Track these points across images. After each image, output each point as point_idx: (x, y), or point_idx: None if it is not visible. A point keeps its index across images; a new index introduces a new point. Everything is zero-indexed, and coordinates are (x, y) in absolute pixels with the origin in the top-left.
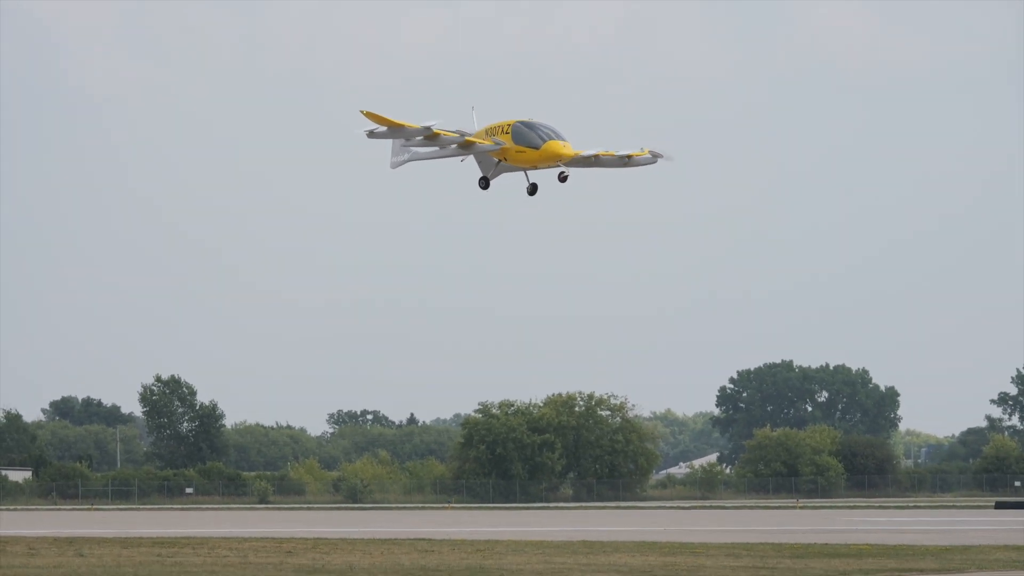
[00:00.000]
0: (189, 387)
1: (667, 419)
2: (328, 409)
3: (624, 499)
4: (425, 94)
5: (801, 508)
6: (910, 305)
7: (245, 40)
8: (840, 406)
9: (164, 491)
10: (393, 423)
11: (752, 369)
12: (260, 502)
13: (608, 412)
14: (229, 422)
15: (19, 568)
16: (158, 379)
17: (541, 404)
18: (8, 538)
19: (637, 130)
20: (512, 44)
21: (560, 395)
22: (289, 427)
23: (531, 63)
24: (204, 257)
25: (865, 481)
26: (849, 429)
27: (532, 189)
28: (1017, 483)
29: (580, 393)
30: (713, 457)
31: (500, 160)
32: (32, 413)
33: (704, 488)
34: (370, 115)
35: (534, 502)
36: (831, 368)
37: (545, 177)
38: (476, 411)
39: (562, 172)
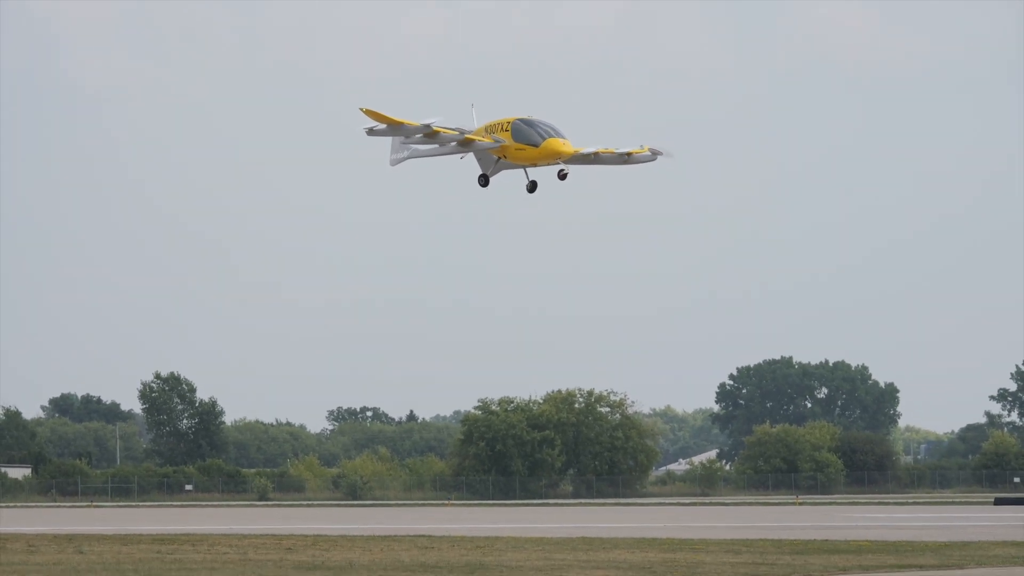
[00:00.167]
0: (189, 384)
1: (667, 416)
2: (328, 406)
3: (624, 496)
4: (425, 91)
5: (800, 504)
6: (909, 302)
7: (245, 36)
8: (839, 402)
9: (164, 488)
10: (393, 420)
11: (752, 366)
12: (260, 499)
13: (608, 409)
14: (229, 419)
15: (19, 565)
16: (158, 376)
17: (541, 401)
18: (8, 535)
19: (637, 127)
20: (512, 41)
21: (560, 392)
22: (289, 424)
23: (531, 60)
24: (204, 254)
25: (864, 477)
26: (848, 425)
27: (532, 187)
28: (1016, 479)
29: (580, 390)
30: (713, 453)
31: (500, 158)
32: (32, 410)
33: (704, 484)
34: (370, 113)
35: (534, 499)
36: (831, 364)
37: (545, 175)
38: (476, 408)
39: (562, 170)
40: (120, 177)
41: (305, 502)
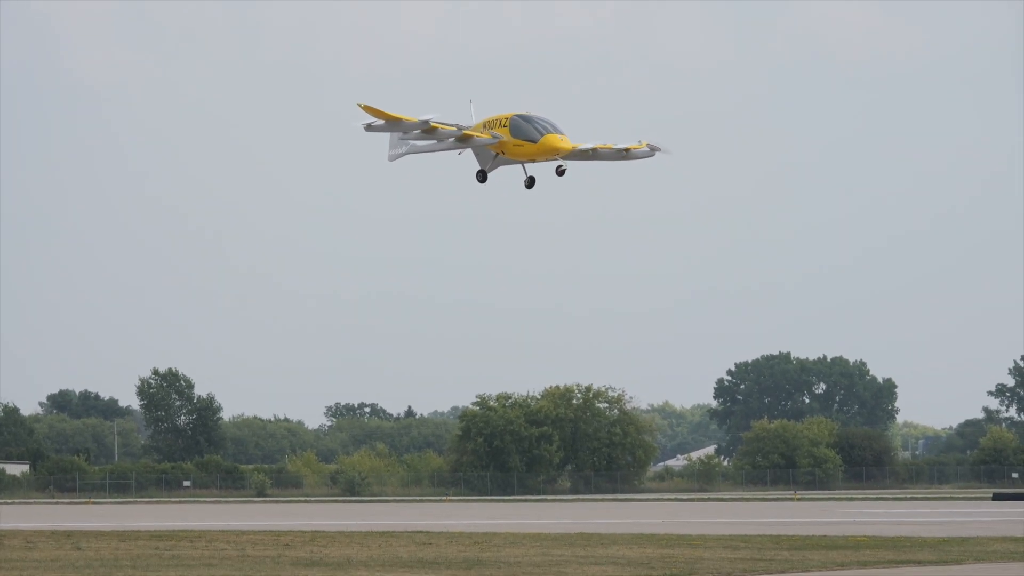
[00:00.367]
0: (187, 380)
1: (665, 411)
2: (326, 402)
3: (622, 491)
4: (423, 88)
5: (799, 500)
6: (907, 297)
7: (244, 33)
8: (838, 398)
9: (162, 484)
10: (391, 416)
11: (750, 361)
12: (258, 495)
13: (606, 404)
14: (227, 415)
15: (16, 561)
16: (155, 372)
17: (539, 396)
18: (5, 532)
19: (635, 124)
20: (511, 37)
21: (558, 387)
22: (287, 420)
23: (530, 56)
24: (202, 250)
25: (863, 473)
26: (847, 421)
27: (530, 182)
28: (1015, 474)
29: (578, 385)
30: (711, 449)
31: (498, 153)
32: (29, 406)
33: (702, 480)
34: (368, 108)
35: (532, 494)
36: (829, 360)
37: (543, 170)
38: (474, 404)
39: (560, 165)
40: (119, 174)
41: (303, 498)
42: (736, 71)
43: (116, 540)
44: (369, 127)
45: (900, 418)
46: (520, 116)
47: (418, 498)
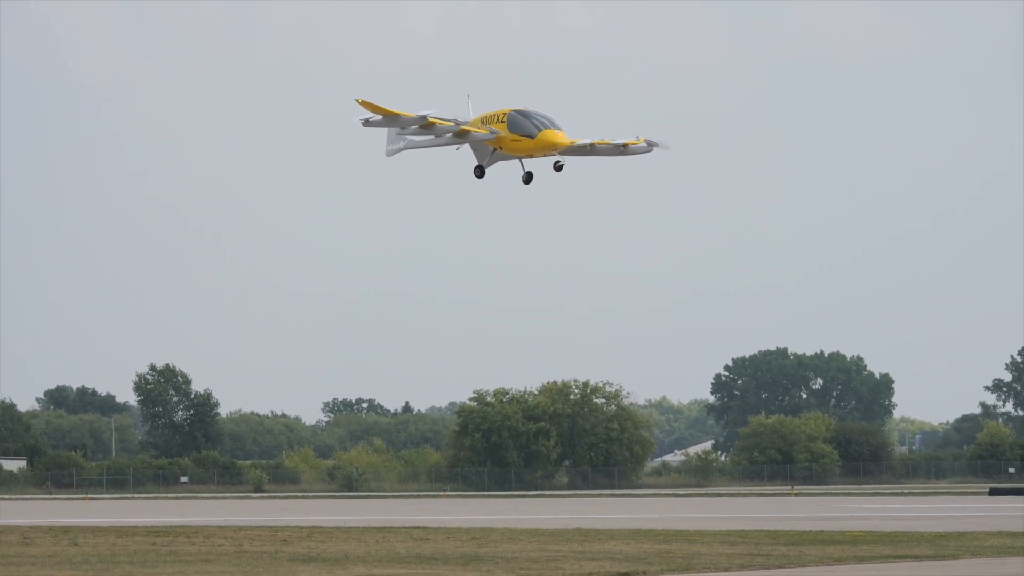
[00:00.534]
0: (184, 376)
1: (662, 407)
2: (323, 398)
3: (619, 487)
4: (422, 84)
5: (796, 495)
6: (905, 293)
7: (243, 31)
8: (835, 393)
9: (159, 480)
10: (388, 411)
11: (747, 356)
12: (255, 491)
13: (603, 400)
14: (224, 411)
15: (14, 557)
16: (153, 368)
17: (536, 392)
18: (3, 528)
19: (634, 122)
20: (509, 33)
21: (555, 383)
22: (284, 416)
23: (528, 51)
24: (200, 247)
25: (860, 468)
26: (844, 416)
27: (527, 178)
28: (1011, 469)
29: (575, 381)
30: (708, 444)
31: (496, 149)
32: (27, 402)
33: (699, 475)
34: (366, 104)
35: (529, 490)
36: (826, 355)
37: (540, 166)
38: (471, 399)
39: (557, 161)
40: (117, 172)
41: (300, 494)
42: (735, 71)
43: (113, 536)
44: (367, 123)
45: (897, 413)
46: (518, 112)
47: (415, 494)
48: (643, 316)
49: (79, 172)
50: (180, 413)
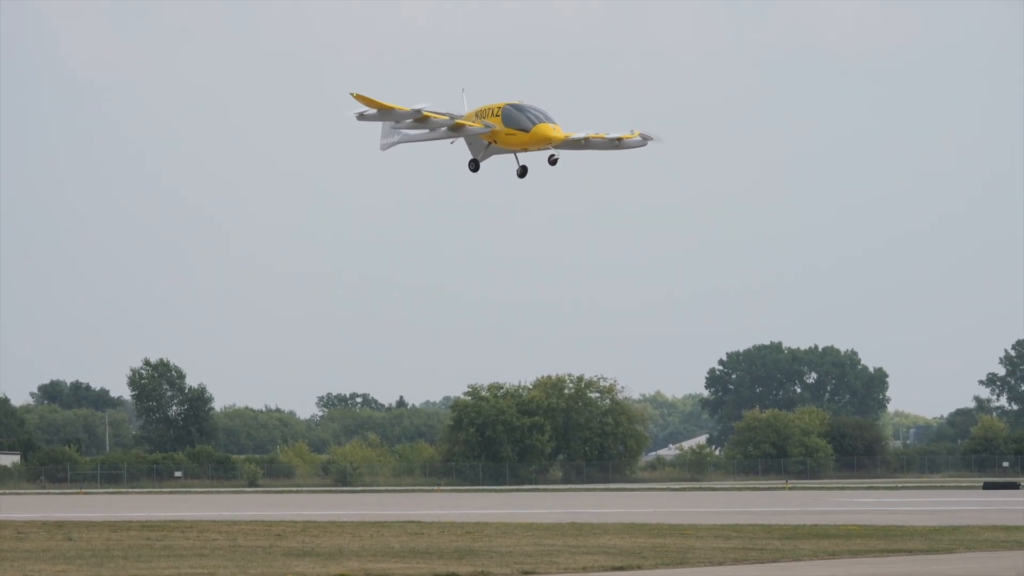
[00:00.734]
0: (178, 370)
1: (656, 401)
2: (317, 392)
3: (613, 481)
4: (416, 77)
5: (790, 489)
6: (898, 287)
7: (240, 22)
8: (829, 387)
9: (153, 475)
10: (382, 406)
11: (741, 351)
12: (249, 485)
13: (598, 394)
14: (218, 405)
15: (8, 552)
16: (147, 363)
17: (531, 386)
18: None
19: (629, 116)
20: (503, 27)
21: (550, 377)
22: (278, 410)
23: (522, 45)
24: (195, 241)
25: (854, 462)
26: (838, 410)
27: (522, 171)
28: (1005, 464)
29: (570, 375)
30: (702, 439)
31: (490, 143)
32: (20, 397)
33: (693, 470)
34: (360, 98)
35: (524, 484)
36: (820, 350)
37: (535, 159)
38: (465, 394)
39: (552, 155)
40: (111, 166)
41: (295, 488)
42: (731, 65)
43: (107, 530)
44: (361, 116)
45: (891, 407)
46: (512, 105)
47: (410, 488)
48: (637, 310)
49: (72, 168)
50: (174, 408)
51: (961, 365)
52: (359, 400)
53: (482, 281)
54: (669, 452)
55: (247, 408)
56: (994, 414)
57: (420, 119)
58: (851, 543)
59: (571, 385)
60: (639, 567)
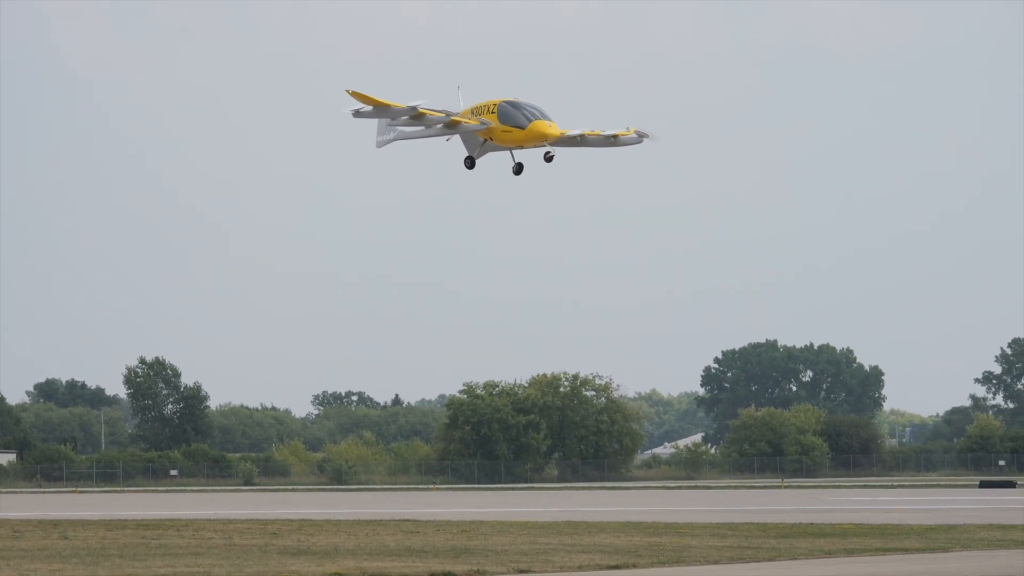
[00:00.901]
0: (173, 369)
1: (652, 399)
2: (312, 390)
3: (609, 479)
4: (412, 74)
5: (786, 488)
6: (894, 285)
7: (239, 21)
8: (824, 386)
9: (149, 473)
10: (378, 404)
11: (736, 349)
12: (245, 484)
13: (593, 392)
14: (213, 404)
15: (4, 551)
16: (142, 361)
17: (526, 385)
18: None
19: (626, 111)
20: (499, 24)
21: (545, 375)
22: (274, 408)
23: (518, 42)
24: (190, 240)
25: (850, 460)
26: (833, 409)
27: (518, 169)
28: (1001, 462)
29: (565, 374)
30: (698, 437)
31: (486, 140)
32: (16, 395)
33: (689, 468)
34: (356, 95)
35: (519, 483)
36: (815, 348)
37: (531, 157)
38: (461, 392)
39: (548, 152)
40: (105, 164)
41: (290, 487)
42: (728, 64)
43: (103, 529)
44: (357, 113)
45: (887, 406)
46: (508, 102)
47: (405, 486)
48: (633, 309)
49: (67, 166)
50: (170, 406)
51: (957, 363)
52: (354, 398)
53: (477, 279)
54: (665, 450)
55: (243, 406)
56: (990, 412)
57: (416, 116)
58: (847, 542)
59: (567, 383)
60: (635, 566)
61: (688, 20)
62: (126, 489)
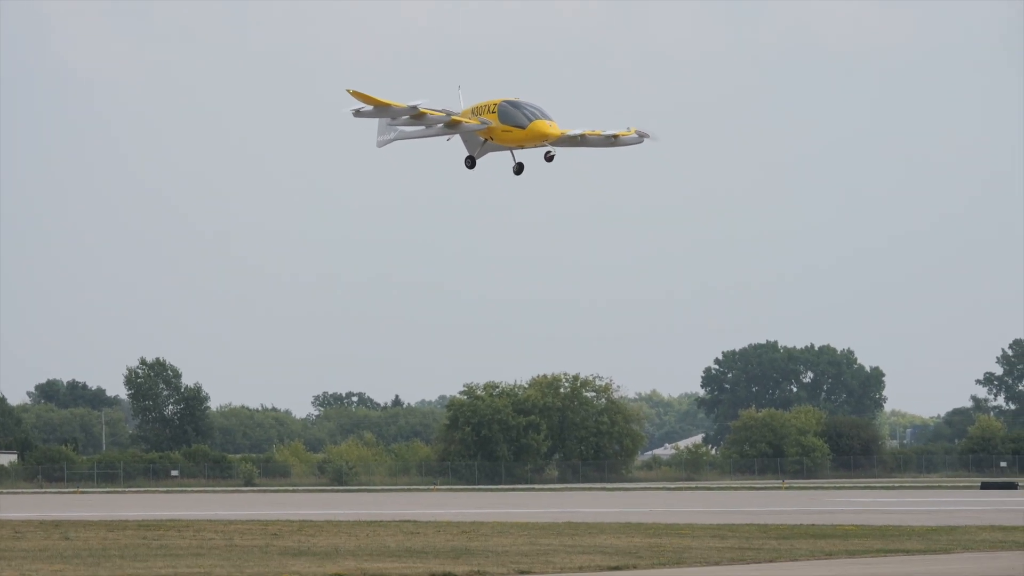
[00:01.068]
0: (174, 370)
1: (652, 400)
2: (313, 391)
3: (609, 480)
4: (413, 75)
5: (787, 489)
6: (895, 286)
7: (235, 22)
8: (825, 387)
9: (149, 474)
10: (378, 405)
11: (737, 350)
12: (245, 484)
13: (593, 393)
14: (214, 404)
15: (5, 551)
16: (143, 362)
17: (526, 385)
18: None
19: (626, 111)
20: (500, 24)
21: (545, 376)
22: (274, 409)
23: (519, 42)
24: (190, 241)
25: (851, 462)
26: (834, 410)
27: (518, 168)
28: (1003, 463)
29: (565, 374)
30: (698, 438)
31: (486, 139)
32: (17, 396)
33: (689, 469)
34: (357, 94)
35: (519, 484)
36: (816, 349)
37: (531, 156)
38: (461, 393)
39: (548, 151)
40: (106, 164)
41: (291, 487)
42: (730, 64)
43: (104, 530)
44: (358, 113)
45: (888, 407)
46: (509, 102)
47: (406, 487)
48: (633, 309)
49: (68, 167)
50: (170, 407)
51: (958, 364)
52: (355, 399)
53: (478, 280)
54: (665, 451)
55: (243, 407)
56: (991, 414)
57: (417, 116)
58: (848, 543)
59: (567, 384)
60: (635, 567)
61: (688, 20)
62: (127, 490)
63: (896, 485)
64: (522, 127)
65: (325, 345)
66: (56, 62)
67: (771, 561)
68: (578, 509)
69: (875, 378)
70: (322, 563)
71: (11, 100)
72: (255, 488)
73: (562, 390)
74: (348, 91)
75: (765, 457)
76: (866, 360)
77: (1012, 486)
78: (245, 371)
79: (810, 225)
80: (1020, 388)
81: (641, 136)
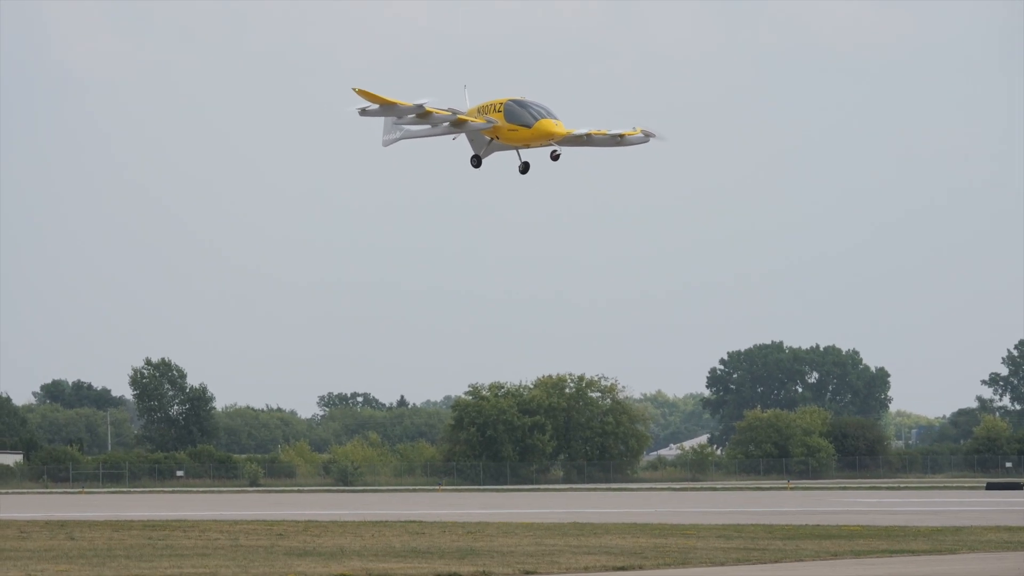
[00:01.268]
0: (179, 370)
1: (657, 400)
2: (318, 391)
3: (615, 481)
4: (418, 74)
5: (792, 489)
6: (900, 286)
7: (233, 22)
8: (830, 387)
9: (155, 474)
10: (383, 405)
11: (742, 350)
12: (250, 485)
13: (598, 394)
14: (219, 405)
15: (10, 551)
16: (148, 362)
17: (531, 386)
18: None
19: (632, 111)
20: (505, 23)
21: (550, 377)
22: (279, 410)
23: (525, 42)
24: (194, 241)
25: (856, 462)
26: (840, 410)
27: (524, 167)
28: (1008, 464)
29: (570, 375)
30: (704, 438)
31: (492, 138)
32: (22, 396)
33: (695, 469)
34: (362, 93)
35: (524, 484)
36: (821, 349)
37: (537, 155)
38: (466, 393)
39: (554, 150)
40: (109, 166)
41: (296, 488)
42: (729, 64)
43: (109, 530)
44: (364, 112)
45: (893, 407)
46: (515, 101)
47: (411, 488)
48: (638, 309)
49: (73, 168)
50: (176, 407)
51: (963, 365)
52: (360, 399)
53: (483, 280)
54: (670, 452)
55: (248, 408)
56: (997, 414)
57: (423, 115)
58: (854, 543)
59: (572, 384)
60: (641, 567)
61: (688, 20)
62: (132, 490)
63: (901, 486)
64: (528, 126)
65: (330, 346)
66: (56, 63)
67: (776, 562)
68: (583, 509)
69: (880, 379)
70: (327, 563)
71: (15, 100)
72: (260, 488)
73: (567, 391)
74: (354, 89)
75: (770, 458)
76: (871, 361)
77: (1017, 486)
78: (250, 372)
79: (816, 225)
80: None
81: (647, 135)
